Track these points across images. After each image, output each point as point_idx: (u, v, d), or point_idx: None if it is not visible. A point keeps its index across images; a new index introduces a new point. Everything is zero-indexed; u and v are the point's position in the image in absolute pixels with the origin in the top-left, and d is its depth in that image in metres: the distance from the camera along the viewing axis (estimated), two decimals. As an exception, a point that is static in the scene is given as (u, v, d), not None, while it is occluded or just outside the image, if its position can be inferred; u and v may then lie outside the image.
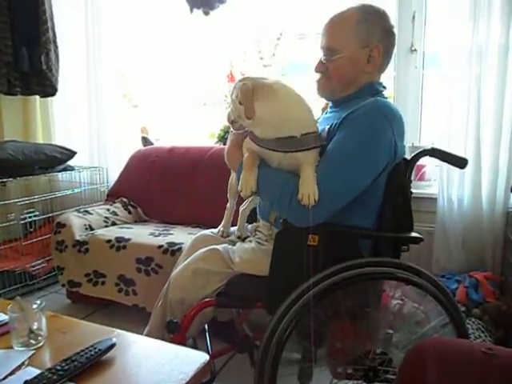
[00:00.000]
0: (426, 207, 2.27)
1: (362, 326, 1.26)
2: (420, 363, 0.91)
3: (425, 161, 2.44)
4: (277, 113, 1.18)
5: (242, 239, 1.49)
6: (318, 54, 1.37)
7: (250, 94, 1.16)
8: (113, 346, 0.97)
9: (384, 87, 1.35)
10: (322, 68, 1.33)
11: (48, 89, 2.94)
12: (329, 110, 1.42)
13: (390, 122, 1.18)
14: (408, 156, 1.34)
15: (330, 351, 1.30)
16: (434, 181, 2.43)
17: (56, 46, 2.95)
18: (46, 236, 2.66)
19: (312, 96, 1.38)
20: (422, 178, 2.48)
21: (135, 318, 1.57)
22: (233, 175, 1.50)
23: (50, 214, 2.82)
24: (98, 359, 0.93)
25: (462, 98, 2.17)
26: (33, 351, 1.00)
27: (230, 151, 1.35)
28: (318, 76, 1.36)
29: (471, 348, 0.94)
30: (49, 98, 3.07)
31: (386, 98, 1.33)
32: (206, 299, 1.27)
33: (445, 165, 2.26)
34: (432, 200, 2.32)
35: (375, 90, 1.31)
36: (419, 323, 1.66)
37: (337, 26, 1.31)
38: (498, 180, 2.18)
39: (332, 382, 1.34)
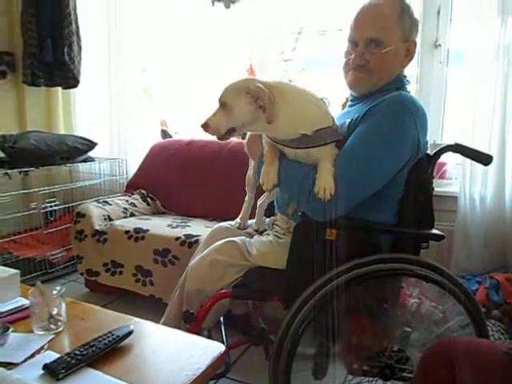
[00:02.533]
0: (446, 206, 2.23)
1: (380, 322, 1.25)
2: (439, 361, 0.90)
3: (446, 159, 2.40)
4: (287, 115, 1.16)
5: (260, 232, 1.49)
6: (340, 49, 1.34)
7: (273, 98, 1.13)
8: (130, 332, 0.98)
9: (408, 81, 1.33)
10: (361, 61, 1.27)
11: (70, 80, 2.99)
12: (349, 103, 1.40)
13: (413, 116, 1.15)
14: (430, 153, 1.31)
15: (346, 347, 1.29)
16: (455, 179, 2.39)
17: (79, 39, 2.99)
18: (66, 225, 2.71)
19: (331, 91, 1.35)
20: (443, 177, 2.43)
21: (152, 309, 1.58)
22: (251, 168, 1.49)
23: (71, 204, 2.86)
24: (115, 345, 0.95)
25: (488, 96, 2.12)
26: (52, 336, 1.02)
27: (251, 141, 1.34)
28: (350, 70, 1.30)
29: (492, 347, 0.92)
30: (71, 90, 3.12)
31: (409, 92, 1.30)
32: (223, 290, 1.27)
33: (467, 163, 2.22)
34: (453, 198, 2.28)
35: (401, 83, 1.29)
36: (437, 323, 1.63)
37: (381, 18, 1.24)
38: (522, 179, 2.13)
39: (347, 379, 1.34)
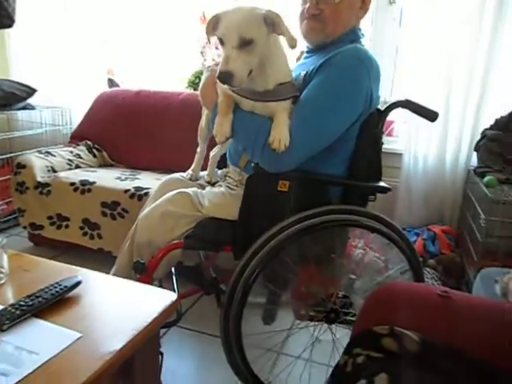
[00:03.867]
0: (391, 162, 2.32)
1: (327, 270, 1.30)
2: (380, 304, 0.95)
3: (394, 117, 2.47)
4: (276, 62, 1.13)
5: (212, 184, 1.48)
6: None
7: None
8: (78, 283, 0.96)
9: (363, 34, 1.32)
10: (315, 11, 1.25)
11: (4, 19, 2.71)
12: (305, 55, 1.38)
13: (367, 69, 1.16)
14: (381, 108, 1.34)
15: (295, 294, 1.35)
16: (401, 137, 2.47)
17: (13, -29, 2.70)
18: (5, 177, 2.56)
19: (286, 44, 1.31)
20: (390, 134, 2.51)
21: (101, 262, 1.55)
22: (203, 117, 1.46)
23: (10, 155, 2.69)
24: (63, 296, 0.92)
25: (435, 56, 2.18)
26: (-6, 288, 0.97)
27: (205, 88, 1.29)
28: (304, 19, 1.28)
29: (428, 291, 0.99)
30: (5, 30, 2.85)
31: (363, 45, 1.30)
32: (174, 241, 1.26)
33: (413, 122, 2.30)
34: (398, 156, 2.38)
35: (356, 36, 1.28)
36: (379, 271, 1.73)
37: None
38: (462, 139, 2.24)
39: (294, 323, 1.40)
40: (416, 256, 1.33)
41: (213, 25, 1.09)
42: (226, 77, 1.02)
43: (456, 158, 2.27)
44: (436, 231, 2.17)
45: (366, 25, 1.42)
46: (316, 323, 1.36)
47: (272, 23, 1.05)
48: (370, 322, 0.88)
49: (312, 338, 1.41)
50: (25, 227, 2.34)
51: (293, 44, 1.07)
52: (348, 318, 1.30)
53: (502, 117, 2.09)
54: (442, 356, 0.78)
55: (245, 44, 1.03)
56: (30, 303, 0.88)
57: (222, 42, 1.06)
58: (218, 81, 1.07)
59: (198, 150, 1.53)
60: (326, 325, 1.35)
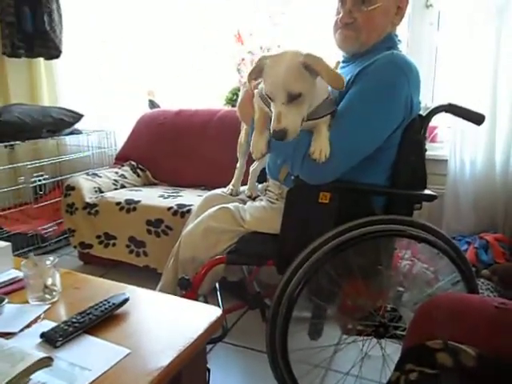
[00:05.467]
0: (436, 169, 2.25)
1: (374, 283, 1.27)
2: (431, 317, 0.92)
3: (437, 122, 2.39)
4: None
5: (253, 198, 1.48)
6: (330, 8, 1.30)
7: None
8: (126, 300, 0.98)
9: (400, 40, 1.30)
10: (349, 19, 1.23)
11: (52, 51, 2.90)
12: (341, 64, 1.37)
13: (406, 76, 1.13)
14: (423, 114, 1.30)
15: (341, 308, 1.32)
16: (445, 142, 2.39)
17: (59, 6, 2.89)
18: (56, 199, 2.69)
19: (323, 53, 1.31)
20: (434, 140, 2.43)
21: (147, 279, 1.59)
22: (243, 133, 1.47)
23: (60, 178, 2.82)
24: (112, 313, 0.95)
25: (479, 59, 2.10)
26: (48, 305, 1.01)
27: (243, 104, 1.31)
28: (338, 29, 1.27)
29: (483, 303, 0.94)
30: (53, 61, 3.03)
31: (401, 51, 1.28)
32: (217, 257, 1.27)
33: (458, 126, 2.22)
34: (443, 162, 2.29)
35: (393, 42, 1.26)
36: (429, 283, 1.66)
37: None
38: (512, 141, 2.14)
39: (342, 338, 1.37)
40: (468, 265, 1.27)
41: (256, 74, 1.10)
42: (280, 135, 1.02)
43: (506, 160, 2.16)
44: (488, 239, 2.07)
45: (402, 30, 1.40)
46: (364, 338, 1.32)
47: (312, 69, 1.03)
48: (422, 336, 0.85)
49: (361, 353, 1.36)
50: (75, 247, 2.44)
51: (336, 86, 1.04)
52: (398, 332, 1.25)
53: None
54: (501, 372, 0.73)
55: (293, 98, 1.03)
56: (81, 320, 0.91)
57: (269, 98, 1.06)
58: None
59: (238, 165, 1.55)
60: (375, 339, 1.31)
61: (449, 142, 2.29)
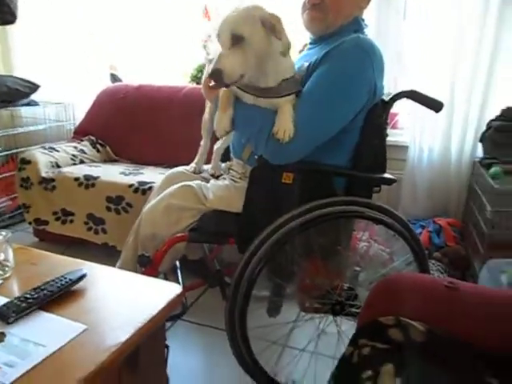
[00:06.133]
0: (396, 155, 2.31)
1: (332, 263, 1.30)
2: (385, 295, 0.95)
3: (398, 109, 2.45)
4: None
5: (216, 177, 1.48)
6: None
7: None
8: (84, 276, 0.96)
9: (366, 24, 1.31)
10: (316, 0, 1.24)
11: (7, 16, 2.70)
12: (308, 46, 1.37)
13: (371, 59, 1.15)
14: (385, 99, 1.32)
15: (300, 286, 1.34)
16: (406, 129, 2.45)
17: (14, -33, 2.69)
18: (10, 173, 2.57)
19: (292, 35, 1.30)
20: (395, 127, 2.49)
21: (106, 257, 1.55)
22: (207, 110, 1.45)
23: (14, 151, 2.70)
24: (68, 289, 0.93)
25: (440, 47, 2.16)
26: (0, 281, 0.98)
27: (208, 81, 1.29)
28: (306, 10, 1.28)
29: (434, 282, 0.98)
30: (8, 27, 2.84)
31: (367, 35, 1.29)
32: (178, 234, 1.26)
33: (418, 114, 2.28)
34: (403, 148, 2.36)
35: (359, 25, 1.27)
36: (384, 263, 1.73)
37: None
38: (467, 130, 2.22)
39: (300, 315, 1.40)
40: (421, 247, 1.32)
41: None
42: (215, 74, 1.04)
43: (461, 149, 2.25)
44: (441, 223, 2.16)
45: (369, 16, 1.41)
46: (321, 315, 1.36)
47: (270, 26, 1.05)
48: (376, 313, 0.88)
49: (317, 330, 1.40)
50: (30, 223, 2.35)
51: (283, 51, 1.08)
52: (353, 310, 1.29)
53: (507, 107, 2.07)
54: (449, 346, 0.77)
55: (236, 42, 1.04)
56: (36, 296, 0.88)
57: (219, 42, 1.07)
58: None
59: (202, 143, 1.53)
60: (331, 317, 1.34)
61: (409, 129, 2.36)
